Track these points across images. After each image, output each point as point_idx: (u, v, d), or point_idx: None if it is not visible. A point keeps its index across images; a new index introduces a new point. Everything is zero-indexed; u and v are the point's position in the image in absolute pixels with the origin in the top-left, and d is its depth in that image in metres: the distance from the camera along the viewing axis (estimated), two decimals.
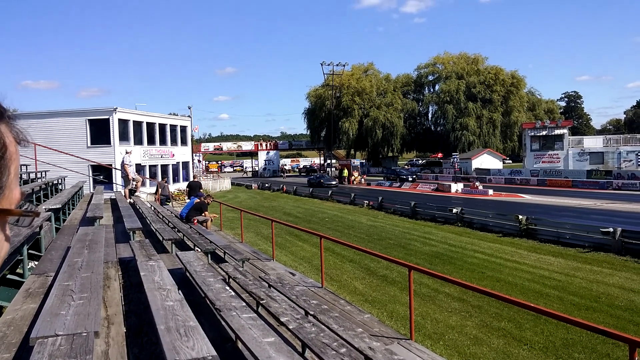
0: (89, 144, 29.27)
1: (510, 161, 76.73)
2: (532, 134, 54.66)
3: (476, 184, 40.08)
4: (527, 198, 33.70)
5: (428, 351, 6.66)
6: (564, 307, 10.64)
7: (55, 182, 15.51)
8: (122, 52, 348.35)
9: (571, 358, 8.05)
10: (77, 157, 22.23)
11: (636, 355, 4.17)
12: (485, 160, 58.19)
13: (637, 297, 11.23)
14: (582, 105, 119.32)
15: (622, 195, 33.21)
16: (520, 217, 19.51)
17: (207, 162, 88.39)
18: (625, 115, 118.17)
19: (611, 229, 15.96)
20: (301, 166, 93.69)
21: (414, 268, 7.17)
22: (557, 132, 53.43)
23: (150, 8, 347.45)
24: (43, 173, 17.73)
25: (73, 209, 13.42)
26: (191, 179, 35.30)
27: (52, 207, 8.35)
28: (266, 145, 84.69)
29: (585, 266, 14.33)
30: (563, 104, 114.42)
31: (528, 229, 19.01)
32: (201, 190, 18.56)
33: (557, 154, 52.91)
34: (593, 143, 53.87)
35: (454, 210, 23.21)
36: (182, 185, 33.62)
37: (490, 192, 36.85)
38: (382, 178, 57.33)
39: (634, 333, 8.73)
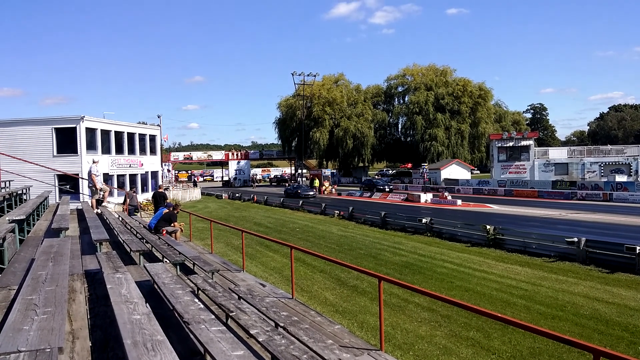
0: (55, 153, 28.73)
1: (478, 171, 78.04)
2: (499, 145, 55.81)
3: (445, 194, 40.62)
4: (495, 208, 34.28)
5: None
6: (531, 316, 10.82)
7: (19, 192, 15.17)
8: (88, 59, 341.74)
9: None
10: (43, 166, 21.75)
11: None
12: (454, 171, 59.08)
13: (602, 306, 11.49)
14: (547, 117, 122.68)
15: (586, 206, 34.09)
16: (488, 227, 19.81)
17: (176, 172, 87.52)
18: (588, 127, 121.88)
19: (576, 239, 16.34)
20: (272, 176, 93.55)
21: (383, 278, 7.19)
22: (524, 143, 54.75)
23: (117, 15, 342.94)
24: (7, 183, 17.31)
25: (38, 219, 13.12)
26: (160, 189, 34.77)
27: (16, 218, 8.16)
28: (237, 154, 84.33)
29: (551, 275, 14.62)
30: (529, 115, 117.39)
31: (495, 238, 19.30)
32: (167, 201, 18.29)
33: (524, 165, 54.12)
34: (558, 154, 55.35)
35: (424, 221, 23.44)
36: (151, 195, 33.22)
37: (459, 202, 37.35)
38: (353, 188, 57.54)
39: (599, 342, 8.94)
